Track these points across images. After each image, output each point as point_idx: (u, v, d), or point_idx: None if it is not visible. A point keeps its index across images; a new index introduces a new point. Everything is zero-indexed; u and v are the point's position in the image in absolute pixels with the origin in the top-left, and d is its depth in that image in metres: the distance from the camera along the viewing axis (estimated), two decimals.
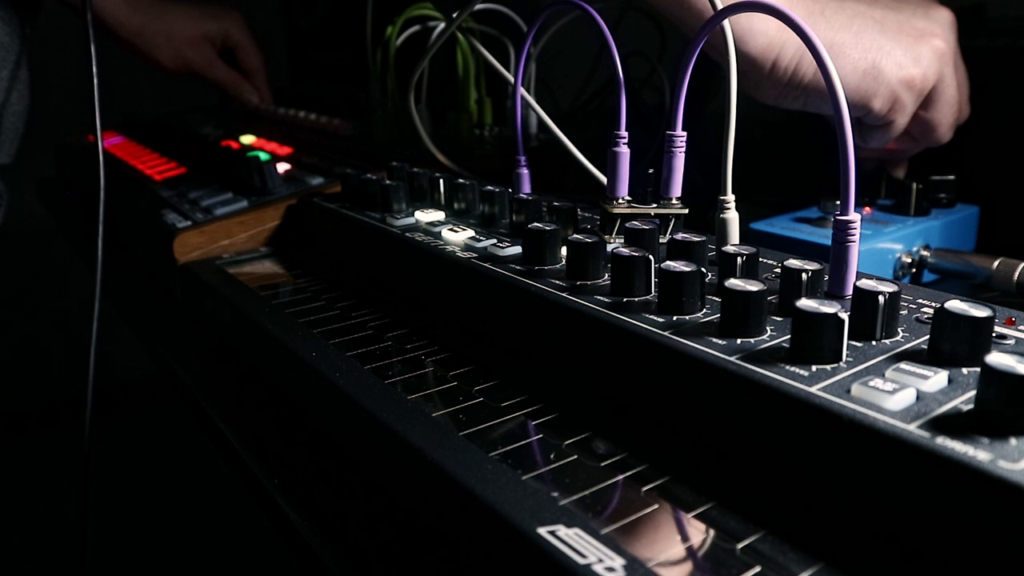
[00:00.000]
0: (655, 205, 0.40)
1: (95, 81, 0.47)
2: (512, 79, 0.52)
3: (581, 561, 0.22)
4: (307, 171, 0.63)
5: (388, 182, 0.49)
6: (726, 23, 0.37)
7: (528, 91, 0.67)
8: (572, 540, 0.23)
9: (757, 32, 0.42)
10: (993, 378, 0.22)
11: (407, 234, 0.44)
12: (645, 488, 0.26)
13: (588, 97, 0.84)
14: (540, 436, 0.30)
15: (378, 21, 0.72)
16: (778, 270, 0.36)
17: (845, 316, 0.26)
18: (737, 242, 0.38)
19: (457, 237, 0.42)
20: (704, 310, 0.31)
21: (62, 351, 1.64)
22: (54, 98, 1.22)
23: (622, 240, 0.39)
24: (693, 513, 0.25)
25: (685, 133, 0.38)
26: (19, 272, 1.73)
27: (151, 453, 1.71)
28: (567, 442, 0.29)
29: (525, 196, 0.44)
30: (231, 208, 0.56)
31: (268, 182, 0.58)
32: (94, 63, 0.48)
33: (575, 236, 0.35)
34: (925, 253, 0.48)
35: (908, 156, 0.54)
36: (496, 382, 0.34)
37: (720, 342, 0.28)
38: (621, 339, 0.30)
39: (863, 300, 0.28)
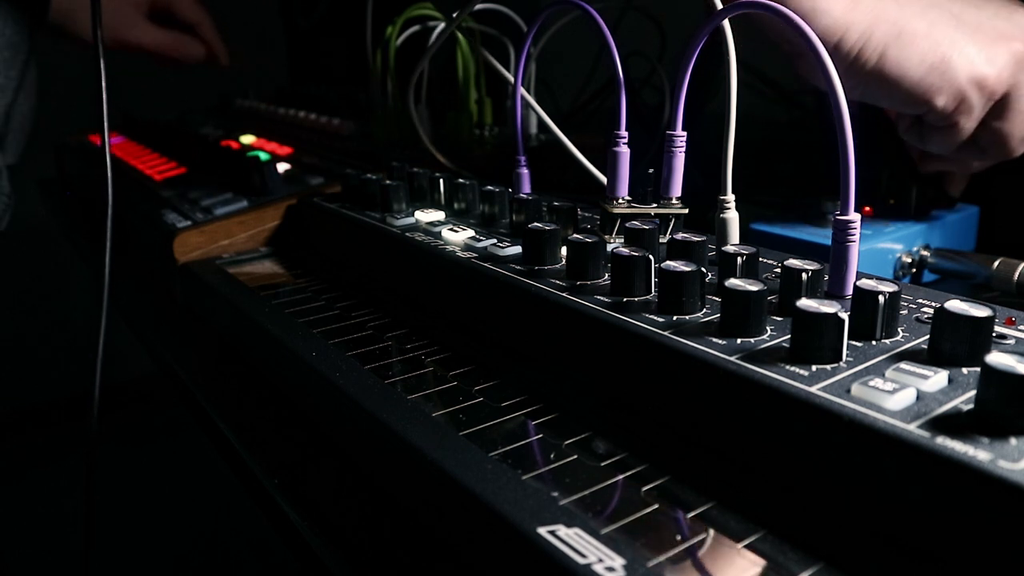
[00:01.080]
0: (655, 205, 0.40)
1: (103, 84, 0.47)
2: (512, 79, 0.52)
3: (581, 561, 0.22)
4: (307, 171, 0.63)
5: (388, 182, 0.49)
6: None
7: (528, 91, 0.67)
8: (572, 540, 0.23)
9: (820, 12, 0.40)
10: (993, 378, 0.22)
11: (407, 234, 0.44)
12: (645, 488, 0.26)
13: (588, 97, 0.84)
14: (540, 436, 0.30)
15: (378, 21, 0.71)
16: (778, 270, 0.36)
17: (845, 316, 0.26)
18: (737, 242, 0.38)
19: (457, 237, 0.42)
20: (704, 310, 0.31)
21: (62, 351, 1.64)
22: (54, 98, 1.21)
23: (622, 240, 0.39)
24: (693, 513, 0.25)
25: (685, 133, 0.38)
26: (19, 272, 1.73)
27: (151, 453, 1.71)
28: (567, 442, 0.29)
29: (525, 196, 0.44)
30: (231, 208, 0.56)
31: (268, 182, 0.58)
32: (102, 67, 0.48)
33: (575, 236, 0.35)
34: (925, 253, 0.48)
35: (973, 170, 0.51)
36: (496, 382, 0.34)
37: (720, 342, 0.28)
38: (621, 339, 0.30)
39: (863, 300, 0.28)
